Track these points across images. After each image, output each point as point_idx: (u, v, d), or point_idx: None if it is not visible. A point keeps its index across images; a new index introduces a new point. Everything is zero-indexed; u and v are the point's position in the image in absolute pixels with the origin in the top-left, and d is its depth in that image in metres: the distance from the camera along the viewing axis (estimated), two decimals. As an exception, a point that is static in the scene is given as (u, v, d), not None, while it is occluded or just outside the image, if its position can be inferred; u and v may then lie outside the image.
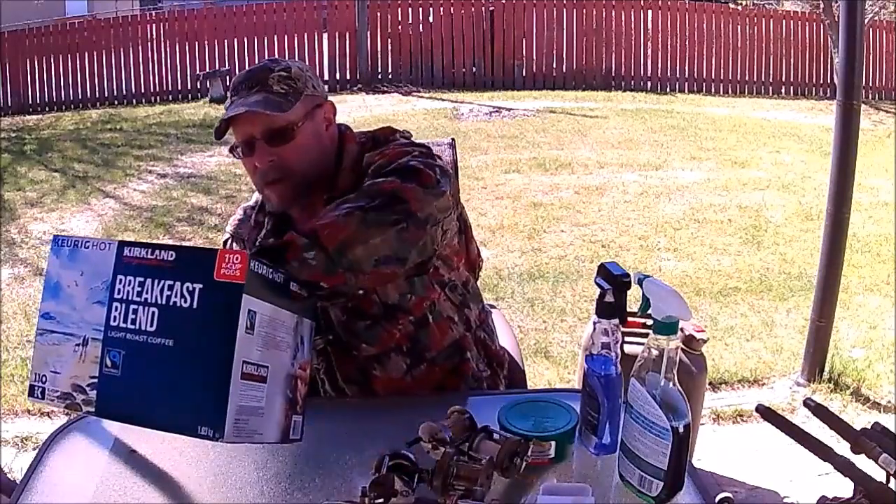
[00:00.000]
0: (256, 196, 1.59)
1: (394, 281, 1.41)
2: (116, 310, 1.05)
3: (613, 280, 1.19)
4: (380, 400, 1.49)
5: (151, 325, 1.02)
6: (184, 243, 5.04)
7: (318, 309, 1.43)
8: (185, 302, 1.01)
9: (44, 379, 1.09)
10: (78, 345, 1.07)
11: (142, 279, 1.04)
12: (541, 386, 3.04)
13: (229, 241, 1.59)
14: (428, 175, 1.32)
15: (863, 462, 1.07)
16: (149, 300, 1.03)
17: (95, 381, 1.05)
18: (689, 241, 4.90)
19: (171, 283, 1.02)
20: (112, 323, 1.05)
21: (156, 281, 1.03)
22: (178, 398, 1.01)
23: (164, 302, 1.02)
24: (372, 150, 1.47)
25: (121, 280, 1.05)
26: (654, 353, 1.05)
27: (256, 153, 1.39)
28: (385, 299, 1.44)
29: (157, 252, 1.04)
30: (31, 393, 1.10)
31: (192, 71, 10.70)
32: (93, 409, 1.06)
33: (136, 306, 1.04)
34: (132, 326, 1.04)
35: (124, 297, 1.05)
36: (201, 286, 1.00)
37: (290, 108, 1.38)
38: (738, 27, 10.75)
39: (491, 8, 10.92)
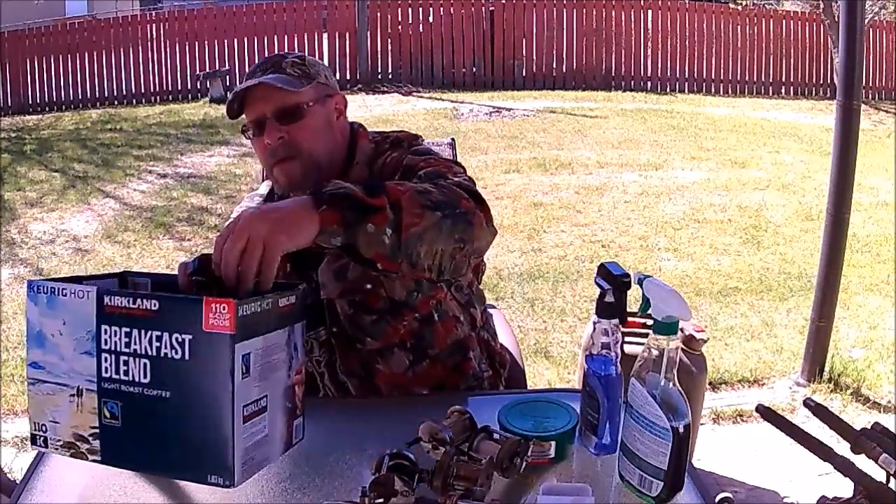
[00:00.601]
0: (266, 184, 1.61)
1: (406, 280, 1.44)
2: (106, 361, 1.01)
3: (613, 280, 1.19)
4: (380, 400, 1.49)
5: (145, 377, 0.99)
6: (183, 243, 5.04)
7: (324, 302, 1.44)
8: (177, 353, 0.97)
9: (44, 428, 1.07)
10: (73, 395, 1.04)
11: (127, 330, 0.99)
12: (541, 386, 3.04)
13: None
14: (489, 210, 1.32)
15: (863, 462, 1.07)
16: (138, 351, 0.99)
17: (97, 430, 1.03)
18: (689, 241, 4.90)
19: (158, 333, 0.98)
20: (104, 374, 1.01)
21: (142, 331, 0.99)
22: (183, 448, 0.99)
23: (154, 353, 0.99)
24: (391, 150, 1.48)
25: (105, 330, 1.00)
26: (654, 353, 1.05)
27: (267, 131, 1.41)
28: (392, 295, 1.45)
29: (139, 301, 0.99)
30: (34, 442, 1.08)
31: (192, 71, 10.71)
32: (99, 458, 1.04)
33: (126, 357, 1.00)
34: (125, 378, 1.00)
35: (112, 349, 1.00)
36: (191, 337, 0.97)
37: (301, 88, 1.42)
38: (738, 27, 10.76)
39: (491, 8, 10.92)
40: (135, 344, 0.99)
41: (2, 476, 2.39)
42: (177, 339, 0.97)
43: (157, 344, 0.98)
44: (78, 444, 1.05)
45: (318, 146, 1.44)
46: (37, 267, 4.68)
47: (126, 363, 1.00)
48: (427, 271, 1.25)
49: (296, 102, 1.41)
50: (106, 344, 1.01)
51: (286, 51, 1.60)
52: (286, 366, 1.11)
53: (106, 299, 1.00)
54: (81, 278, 1.14)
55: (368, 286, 1.43)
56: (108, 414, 1.02)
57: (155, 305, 0.98)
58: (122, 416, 1.02)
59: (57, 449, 1.07)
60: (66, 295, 1.02)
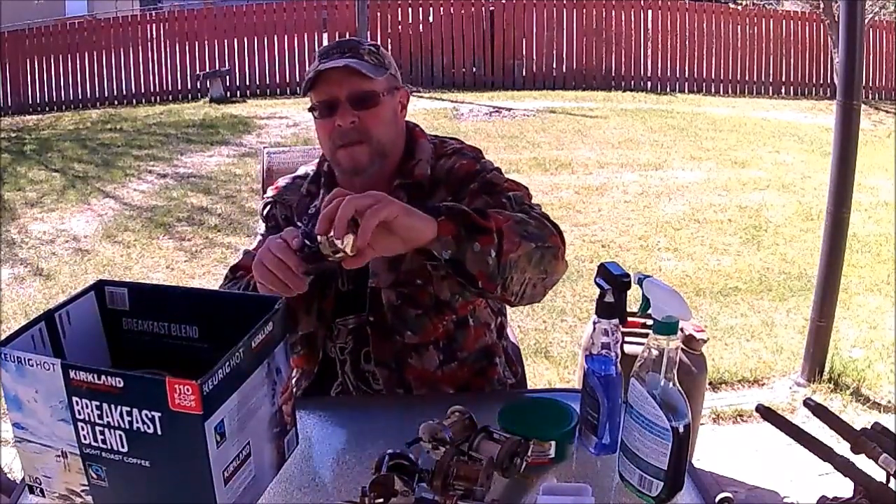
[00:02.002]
0: (305, 169, 1.61)
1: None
2: (83, 429, 1.01)
3: (613, 280, 1.19)
4: (380, 400, 1.49)
5: (123, 447, 1.00)
6: (183, 243, 5.04)
7: (369, 290, 1.46)
8: (149, 428, 0.97)
9: (39, 481, 1.08)
10: (58, 456, 1.05)
11: (98, 403, 0.99)
12: (541, 386, 3.04)
13: (272, 206, 1.58)
14: (565, 243, 1.38)
15: (863, 462, 1.07)
16: (112, 424, 0.99)
17: (87, 487, 1.05)
18: (689, 241, 4.90)
19: (128, 409, 0.97)
20: (83, 441, 1.02)
21: (112, 406, 0.98)
22: None
23: (127, 427, 0.98)
24: (455, 157, 1.50)
25: (77, 402, 1.00)
26: (654, 353, 1.05)
27: (339, 113, 1.42)
28: (438, 293, 1.47)
29: (104, 378, 0.98)
30: (31, 491, 1.10)
31: (192, 71, 10.71)
32: None
33: (101, 428, 1.00)
34: (104, 446, 1.01)
35: (87, 419, 1.00)
36: (159, 414, 0.96)
37: (378, 77, 1.43)
38: (738, 27, 10.75)
39: (491, 8, 10.93)
40: (107, 416, 0.99)
41: (2, 476, 2.39)
42: (146, 415, 0.97)
43: (129, 418, 0.98)
44: (72, 497, 1.07)
45: (385, 135, 1.46)
46: (37, 267, 4.68)
47: (102, 433, 1.00)
48: (512, 296, 1.32)
49: (371, 89, 1.43)
50: (80, 414, 1.00)
51: (336, 43, 1.53)
52: (269, 397, 1.11)
53: (72, 373, 0.99)
54: (55, 307, 1.14)
55: (419, 281, 1.45)
56: (94, 475, 1.03)
57: (119, 383, 0.97)
58: (108, 479, 1.03)
59: (55, 500, 1.09)
60: (32, 365, 1.01)
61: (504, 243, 1.23)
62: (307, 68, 1.52)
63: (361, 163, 1.44)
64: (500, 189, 1.43)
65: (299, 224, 1.52)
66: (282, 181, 1.62)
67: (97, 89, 10.59)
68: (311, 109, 1.47)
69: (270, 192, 1.60)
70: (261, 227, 1.60)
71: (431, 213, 1.20)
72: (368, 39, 10.69)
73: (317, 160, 1.62)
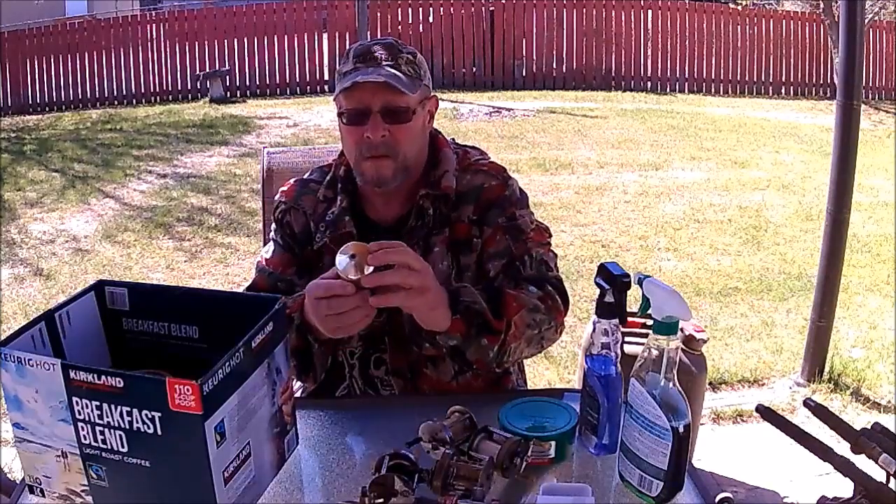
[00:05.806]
0: (316, 171, 1.58)
1: None
2: (83, 429, 1.01)
3: (613, 280, 1.19)
4: (380, 400, 1.49)
5: (123, 447, 1.00)
6: (183, 244, 5.04)
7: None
8: (149, 428, 0.97)
9: (39, 481, 1.09)
10: (58, 456, 1.05)
11: (98, 403, 0.99)
12: (541, 386, 3.04)
13: (287, 212, 1.54)
14: (568, 306, 1.44)
15: (863, 462, 1.07)
16: (112, 424, 0.99)
17: (87, 487, 1.05)
18: (689, 241, 4.90)
19: (128, 409, 0.98)
20: (83, 441, 1.02)
21: (112, 406, 0.98)
22: None
23: (127, 427, 0.99)
24: (483, 177, 1.49)
25: (77, 402, 1.00)
26: (654, 353, 1.05)
27: (370, 124, 1.40)
28: None
29: (104, 378, 0.98)
30: (31, 491, 1.10)
31: (192, 71, 10.71)
32: None
33: (101, 428, 1.00)
34: (104, 446, 1.01)
35: (87, 419, 1.00)
36: (160, 415, 0.96)
37: (413, 92, 1.41)
38: (738, 27, 10.76)
39: (491, 8, 10.93)
40: (107, 416, 0.99)
41: (2, 476, 2.39)
42: (146, 415, 0.97)
43: (129, 418, 0.98)
44: (72, 497, 1.07)
45: (413, 149, 1.45)
46: (37, 267, 4.68)
47: (102, 433, 1.00)
48: (502, 369, 1.44)
49: (406, 105, 1.41)
50: (80, 414, 1.01)
51: (376, 39, 1.49)
52: (269, 397, 1.11)
53: (72, 373, 0.99)
54: (55, 308, 1.14)
55: None
56: (94, 475, 1.04)
57: (119, 383, 0.97)
58: (108, 479, 1.03)
59: (55, 500, 1.09)
60: (33, 365, 1.01)
61: (509, 336, 1.30)
62: (338, 64, 1.48)
63: (385, 177, 1.42)
64: (525, 238, 1.45)
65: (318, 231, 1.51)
66: (294, 184, 1.57)
67: (97, 89, 10.59)
68: (339, 114, 1.44)
69: (283, 196, 1.56)
70: (274, 231, 1.56)
71: (453, 305, 1.28)
72: (369, 39, 10.78)
73: (327, 162, 1.59)
